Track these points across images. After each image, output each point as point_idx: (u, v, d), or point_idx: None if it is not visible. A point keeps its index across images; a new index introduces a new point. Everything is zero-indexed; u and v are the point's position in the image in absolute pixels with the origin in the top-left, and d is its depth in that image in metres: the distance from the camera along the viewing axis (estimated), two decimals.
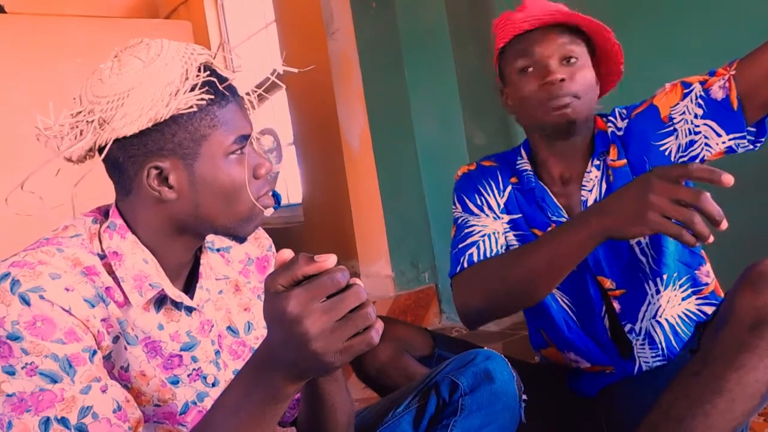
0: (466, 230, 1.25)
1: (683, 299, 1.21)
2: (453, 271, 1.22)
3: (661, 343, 1.20)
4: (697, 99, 1.10)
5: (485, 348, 1.05)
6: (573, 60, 1.16)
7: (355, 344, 0.58)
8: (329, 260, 0.58)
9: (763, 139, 1.09)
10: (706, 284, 1.22)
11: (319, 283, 0.57)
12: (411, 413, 1.00)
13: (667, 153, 1.15)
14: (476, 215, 1.27)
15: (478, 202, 1.27)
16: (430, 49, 2.76)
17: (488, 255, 1.20)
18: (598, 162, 1.20)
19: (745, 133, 1.07)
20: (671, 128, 1.14)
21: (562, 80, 1.13)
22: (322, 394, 0.85)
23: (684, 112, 1.12)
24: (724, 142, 1.08)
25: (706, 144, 1.10)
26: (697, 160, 1.12)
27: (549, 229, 1.21)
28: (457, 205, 1.30)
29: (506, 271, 1.11)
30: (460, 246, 1.23)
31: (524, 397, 1.01)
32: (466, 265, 1.19)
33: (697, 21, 1.99)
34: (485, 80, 2.71)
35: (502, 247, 1.23)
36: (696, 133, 1.11)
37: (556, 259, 1.04)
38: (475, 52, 2.70)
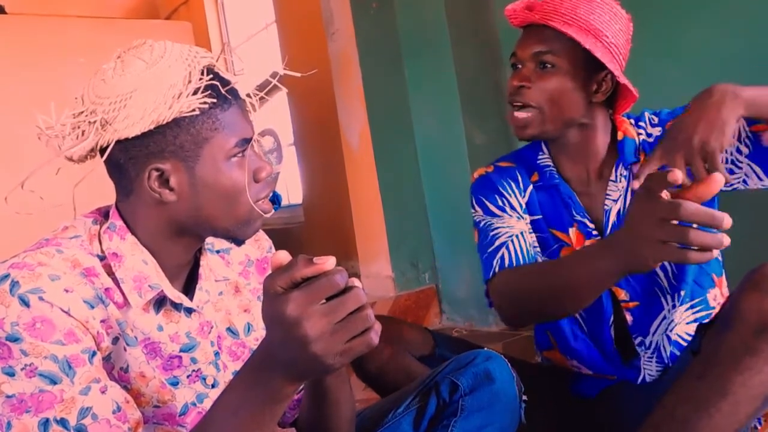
0: (492, 233, 1.20)
1: (696, 320, 1.18)
2: (486, 276, 1.17)
3: (667, 358, 1.19)
4: (744, 138, 1.07)
5: (485, 348, 1.05)
6: (547, 66, 1.12)
7: (354, 346, 0.58)
8: (328, 262, 0.58)
9: None
10: (714, 308, 1.19)
11: (317, 285, 0.57)
12: (411, 414, 1.00)
13: None
14: (499, 216, 1.22)
15: (500, 203, 1.23)
16: (430, 49, 2.76)
17: (519, 257, 1.15)
18: (625, 172, 1.16)
19: None
20: None
21: (521, 87, 1.12)
22: (326, 390, 0.85)
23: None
24: (764, 186, 1.06)
25: (745, 180, 1.09)
26: (730, 189, 1.09)
27: (570, 230, 1.20)
28: (477, 208, 1.25)
29: (538, 285, 1.07)
30: (489, 250, 1.18)
31: (524, 397, 1.01)
32: (497, 269, 1.15)
33: (702, 21, 1.98)
34: (485, 80, 2.71)
35: (532, 247, 1.19)
36: (737, 167, 1.08)
37: (582, 283, 0.98)
38: (475, 51, 2.70)
